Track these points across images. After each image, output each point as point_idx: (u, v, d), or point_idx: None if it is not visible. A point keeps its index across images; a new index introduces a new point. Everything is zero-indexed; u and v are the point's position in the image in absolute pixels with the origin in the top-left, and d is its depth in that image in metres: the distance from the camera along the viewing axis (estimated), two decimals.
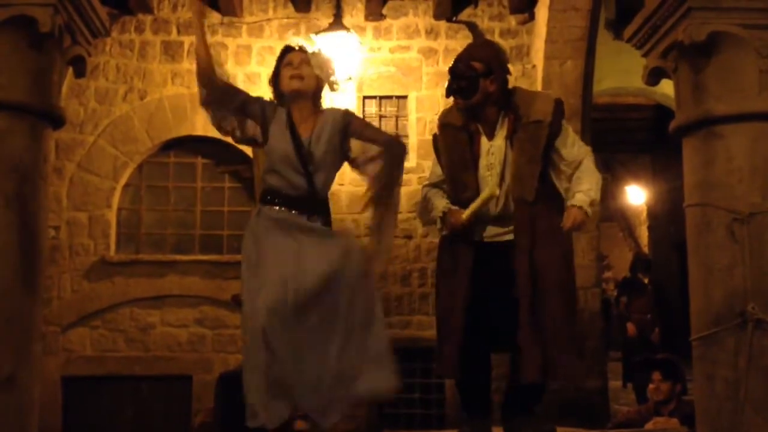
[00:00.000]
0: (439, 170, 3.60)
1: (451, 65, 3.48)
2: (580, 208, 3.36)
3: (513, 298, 3.32)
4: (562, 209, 3.42)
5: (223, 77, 3.35)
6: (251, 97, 3.36)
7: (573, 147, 3.46)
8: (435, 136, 3.64)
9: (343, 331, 3.13)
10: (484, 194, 3.31)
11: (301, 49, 3.38)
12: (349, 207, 7.48)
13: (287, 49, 3.42)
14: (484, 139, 3.44)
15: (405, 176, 7.27)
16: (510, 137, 3.40)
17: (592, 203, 3.38)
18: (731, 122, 3.51)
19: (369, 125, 3.45)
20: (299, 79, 3.29)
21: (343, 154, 3.29)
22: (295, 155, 3.19)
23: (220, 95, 3.26)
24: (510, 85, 3.54)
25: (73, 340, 7.31)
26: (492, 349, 3.47)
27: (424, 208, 3.62)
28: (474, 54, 3.48)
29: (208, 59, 3.24)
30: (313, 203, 3.22)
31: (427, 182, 3.67)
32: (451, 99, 3.50)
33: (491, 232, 3.44)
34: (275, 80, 3.40)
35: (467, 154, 3.44)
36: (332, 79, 3.39)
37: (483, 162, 3.43)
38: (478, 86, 3.39)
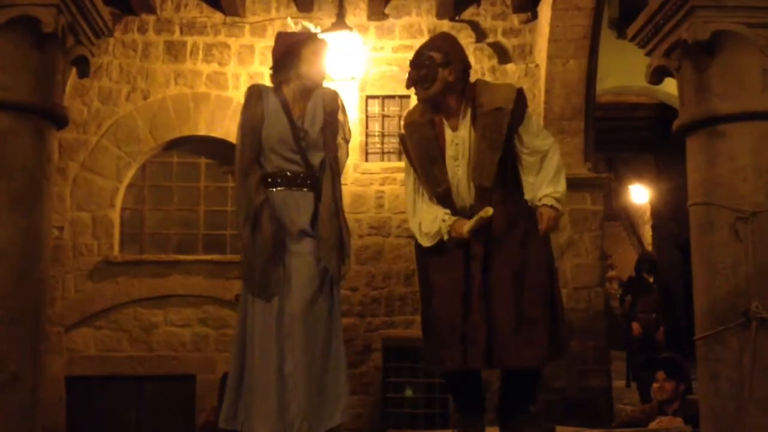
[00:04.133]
0: (412, 174, 3.54)
1: (412, 58, 3.49)
2: (552, 207, 3.33)
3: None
4: (521, 197, 3.40)
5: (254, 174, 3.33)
6: (255, 126, 3.35)
7: (537, 137, 3.44)
8: (402, 137, 3.60)
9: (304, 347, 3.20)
10: (482, 214, 3.25)
11: (324, 42, 3.48)
12: (351, 206, 7.47)
13: (312, 35, 3.47)
14: (448, 131, 3.43)
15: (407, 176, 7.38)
16: (472, 125, 3.39)
17: (560, 200, 3.35)
18: (735, 121, 3.51)
19: (337, 130, 3.45)
20: (321, 76, 3.45)
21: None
22: (290, 134, 3.31)
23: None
24: (490, 81, 3.60)
25: (77, 340, 7.32)
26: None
27: (416, 219, 3.51)
28: (432, 45, 3.51)
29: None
30: (310, 180, 3.32)
31: (406, 193, 3.59)
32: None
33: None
34: (288, 61, 3.39)
35: (434, 148, 3.42)
36: None
37: (449, 152, 3.41)
38: (437, 76, 3.40)
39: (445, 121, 3.44)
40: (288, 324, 3.19)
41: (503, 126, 3.35)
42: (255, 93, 3.42)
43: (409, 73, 3.47)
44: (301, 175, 3.31)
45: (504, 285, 3.29)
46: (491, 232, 3.32)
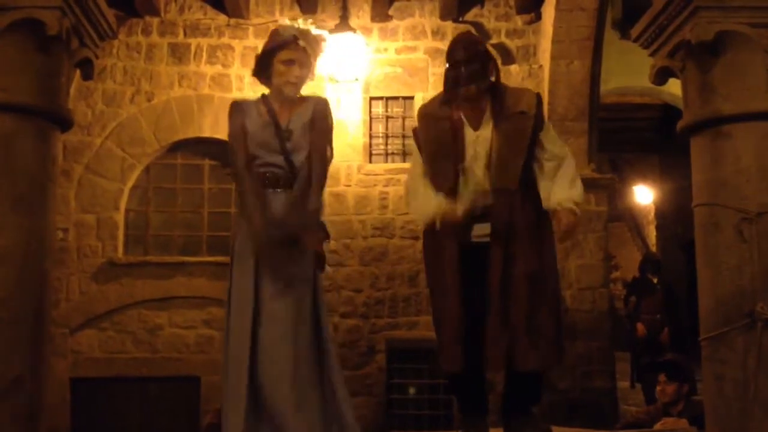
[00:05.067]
0: (419, 161, 3.48)
1: (456, 53, 3.35)
2: (571, 211, 3.30)
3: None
4: (539, 201, 3.39)
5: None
6: (241, 135, 3.29)
7: (555, 143, 3.44)
8: (415, 130, 3.53)
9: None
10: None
11: (305, 50, 3.31)
12: (355, 208, 7.48)
13: (287, 42, 3.30)
14: (469, 130, 3.38)
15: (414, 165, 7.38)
16: (495, 127, 3.36)
17: (578, 205, 3.34)
18: (739, 121, 3.51)
19: (325, 131, 3.35)
20: (297, 87, 3.31)
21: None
22: (275, 138, 3.23)
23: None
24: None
25: (82, 342, 7.33)
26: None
27: (416, 202, 3.48)
28: (475, 39, 3.47)
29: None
30: (293, 181, 3.22)
31: (410, 177, 3.56)
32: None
33: (478, 231, 3.37)
34: (265, 64, 3.33)
35: (449, 145, 3.37)
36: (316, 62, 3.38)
37: (469, 152, 3.36)
38: (488, 71, 3.35)
39: (465, 120, 3.39)
40: (261, 332, 3.13)
41: (528, 130, 3.34)
42: (234, 109, 3.35)
43: (458, 70, 3.32)
44: (284, 176, 3.23)
45: (520, 288, 3.29)
46: (511, 234, 3.30)
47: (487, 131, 3.37)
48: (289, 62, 3.28)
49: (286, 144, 3.22)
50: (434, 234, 3.41)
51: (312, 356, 3.18)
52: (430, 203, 3.37)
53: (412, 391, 7.42)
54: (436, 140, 3.40)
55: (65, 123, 3.80)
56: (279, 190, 3.22)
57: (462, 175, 3.35)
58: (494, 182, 3.33)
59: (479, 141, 3.36)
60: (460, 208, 3.30)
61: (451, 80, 3.37)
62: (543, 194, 3.38)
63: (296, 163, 3.23)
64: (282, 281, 3.16)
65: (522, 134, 3.34)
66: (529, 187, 3.39)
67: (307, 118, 3.27)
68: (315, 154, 3.25)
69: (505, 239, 3.30)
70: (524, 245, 3.31)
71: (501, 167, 3.33)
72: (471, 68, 3.31)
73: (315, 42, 3.34)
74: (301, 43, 3.29)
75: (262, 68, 3.36)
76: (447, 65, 3.42)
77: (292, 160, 3.22)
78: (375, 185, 7.58)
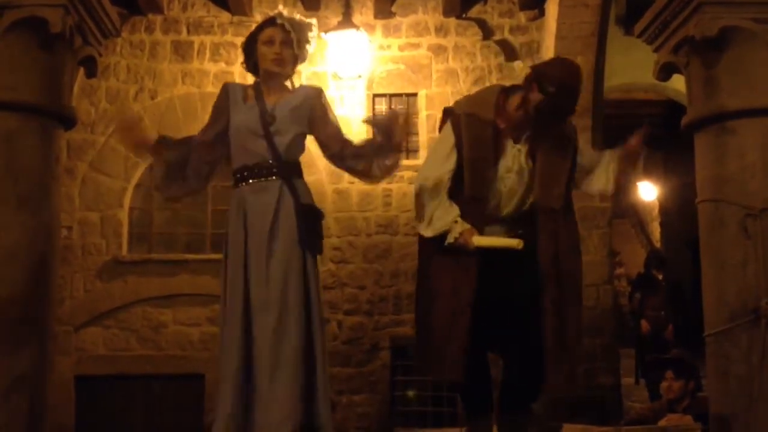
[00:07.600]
0: (451, 161, 3.36)
1: (575, 92, 3.28)
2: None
3: (519, 303, 3.27)
4: (575, 224, 3.44)
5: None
6: (211, 121, 3.39)
7: (586, 151, 3.53)
8: (457, 121, 3.37)
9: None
10: (512, 243, 3.21)
11: (283, 27, 3.28)
12: (359, 205, 7.46)
13: (268, 22, 3.31)
14: (509, 141, 3.37)
15: (414, 174, 7.36)
16: (536, 144, 3.35)
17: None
18: (743, 117, 3.50)
19: (329, 123, 3.36)
20: (279, 64, 3.28)
21: (307, 129, 3.33)
22: (258, 120, 3.22)
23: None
24: None
25: (86, 340, 7.34)
26: (490, 350, 3.44)
27: (427, 209, 3.42)
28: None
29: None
30: (276, 168, 3.22)
31: (428, 174, 3.43)
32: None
33: (497, 233, 3.35)
34: (250, 51, 3.33)
35: (490, 152, 3.33)
36: (306, 48, 3.37)
37: (504, 163, 3.34)
38: None
39: (507, 130, 3.37)
40: (253, 319, 3.23)
41: (569, 153, 3.39)
42: (222, 91, 3.38)
43: (572, 100, 3.30)
44: (267, 164, 3.22)
45: (574, 309, 3.31)
46: (558, 253, 3.29)
47: (525, 146, 3.37)
48: (270, 41, 3.27)
49: (269, 127, 3.21)
50: (444, 246, 3.34)
51: (299, 341, 3.18)
52: (446, 216, 3.33)
53: (410, 394, 7.40)
54: (477, 143, 3.34)
55: (69, 121, 3.81)
56: (261, 179, 3.23)
57: (493, 183, 3.34)
58: (539, 201, 3.33)
59: (519, 154, 3.36)
60: (478, 240, 3.24)
61: (548, 107, 3.25)
62: (591, 179, 3.52)
63: (279, 147, 3.22)
64: (267, 268, 3.27)
65: (565, 156, 3.38)
66: (569, 206, 3.42)
67: (296, 103, 3.27)
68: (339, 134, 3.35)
69: (554, 260, 3.28)
70: (573, 266, 3.34)
71: (546, 186, 3.32)
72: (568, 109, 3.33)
73: (300, 26, 3.31)
74: (279, 20, 3.27)
75: (249, 55, 3.36)
76: (552, 88, 3.22)
77: (275, 143, 3.22)
78: (378, 182, 7.57)
